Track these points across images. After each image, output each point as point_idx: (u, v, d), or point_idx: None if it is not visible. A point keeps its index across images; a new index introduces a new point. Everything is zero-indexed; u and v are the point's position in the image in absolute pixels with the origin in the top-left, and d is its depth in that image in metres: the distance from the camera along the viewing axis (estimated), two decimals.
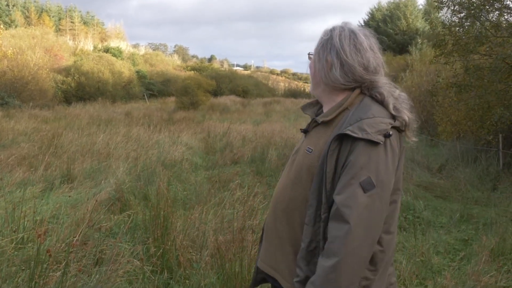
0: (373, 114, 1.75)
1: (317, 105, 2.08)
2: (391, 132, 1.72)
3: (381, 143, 1.69)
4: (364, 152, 1.67)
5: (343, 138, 1.72)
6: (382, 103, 1.83)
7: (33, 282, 3.19)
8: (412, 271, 4.72)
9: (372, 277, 1.74)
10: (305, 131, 2.01)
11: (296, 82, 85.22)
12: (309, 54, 2.02)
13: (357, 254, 1.62)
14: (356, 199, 1.64)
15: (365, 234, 1.63)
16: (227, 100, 37.44)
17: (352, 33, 1.86)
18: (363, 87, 1.88)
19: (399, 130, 1.80)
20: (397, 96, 1.86)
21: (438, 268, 5.06)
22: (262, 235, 2.15)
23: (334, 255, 1.62)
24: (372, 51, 1.87)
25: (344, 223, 1.62)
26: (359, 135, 1.67)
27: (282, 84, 75.78)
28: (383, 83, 1.88)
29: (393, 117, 1.79)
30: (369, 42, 1.87)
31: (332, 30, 1.90)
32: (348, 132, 1.69)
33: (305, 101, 43.07)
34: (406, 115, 1.81)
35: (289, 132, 16.39)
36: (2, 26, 26.48)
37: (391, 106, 1.81)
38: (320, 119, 1.90)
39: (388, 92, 1.85)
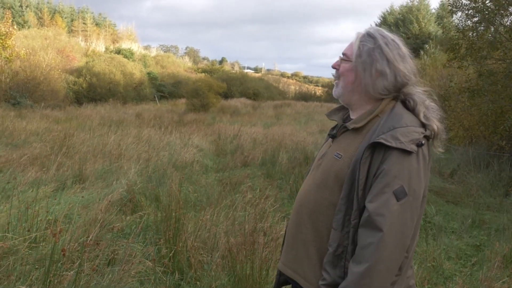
0: (406, 123, 1.77)
1: (342, 110, 2.10)
2: (423, 142, 1.74)
3: (414, 152, 1.71)
4: (398, 161, 1.70)
5: (376, 146, 1.74)
6: (413, 111, 1.85)
7: (48, 281, 3.21)
8: (424, 276, 4.70)
9: (396, 280, 1.77)
10: (333, 136, 2.02)
11: (307, 85, 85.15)
12: (342, 57, 1.98)
13: (388, 261, 1.65)
14: (389, 208, 1.66)
15: (397, 242, 1.66)
16: (237, 102, 37.45)
17: (394, 41, 1.90)
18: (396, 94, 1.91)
19: (428, 138, 1.82)
20: (427, 105, 1.88)
21: (449, 273, 5.04)
22: (284, 238, 2.15)
23: (366, 261, 1.65)
24: (410, 59, 1.92)
25: (377, 231, 1.65)
26: (393, 144, 1.70)
27: (293, 87, 75.71)
28: (416, 91, 1.91)
29: (423, 126, 1.81)
30: (407, 51, 1.92)
31: (374, 37, 1.90)
32: (381, 140, 1.71)
33: (316, 104, 42.99)
34: (436, 124, 1.83)
35: (300, 135, 16.38)
36: (15, 27, 26.69)
37: (421, 115, 1.83)
38: (350, 125, 1.91)
39: (420, 99, 1.88)
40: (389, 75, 1.86)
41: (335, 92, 2.01)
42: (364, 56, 1.89)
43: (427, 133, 1.80)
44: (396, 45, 1.89)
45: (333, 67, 2.00)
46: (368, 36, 1.91)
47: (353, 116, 1.98)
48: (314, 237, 1.91)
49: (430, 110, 1.87)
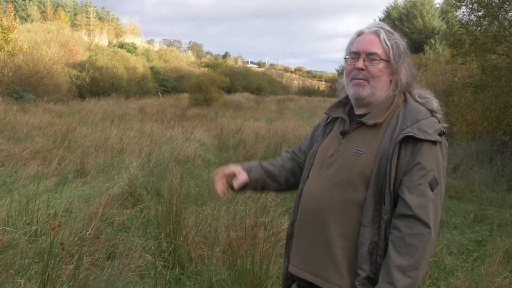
0: (425, 115, 1.84)
1: (342, 106, 2.09)
2: (444, 130, 1.82)
3: (439, 142, 1.79)
4: (429, 153, 1.76)
5: (403, 140, 1.78)
6: (409, 94, 1.96)
7: (47, 275, 3.20)
8: (425, 271, 4.68)
9: None
10: (344, 133, 1.98)
11: (310, 80, 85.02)
12: (372, 57, 1.92)
13: (429, 253, 1.73)
14: (428, 199, 1.73)
15: (436, 234, 1.76)
16: (240, 97, 37.32)
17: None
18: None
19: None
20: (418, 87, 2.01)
21: (451, 268, 5.03)
22: (288, 240, 2.13)
23: (414, 253, 1.70)
24: None
25: (422, 224, 1.71)
26: (422, 136, 1.76)
27: (296, 82, 75.52)
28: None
29: (430, 112, 1.90)
30: None
31: (392, 32, 1.96)
32: (411, 134, 1.76)
33: (319, 99, 42.82)
34: (434, 100, 1.95)
35: (303, 129, 16.32)
36: (18, 21, 26.66)
37: (417, 96, 1.95)
38: (370, 121, 1.90)
39: (421, 92, 1.99)
40: (412, 65, 1.97)
41: (362, 92, 1.93)
42: (402, 53, 1.94)
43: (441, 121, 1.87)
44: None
45: (360, 68, 1.91)
46: (389, 32, 1.95)
47: (360, 111, 1.98)
48: (339, 237, 1.87)
49: (423, 90, 1.98)
